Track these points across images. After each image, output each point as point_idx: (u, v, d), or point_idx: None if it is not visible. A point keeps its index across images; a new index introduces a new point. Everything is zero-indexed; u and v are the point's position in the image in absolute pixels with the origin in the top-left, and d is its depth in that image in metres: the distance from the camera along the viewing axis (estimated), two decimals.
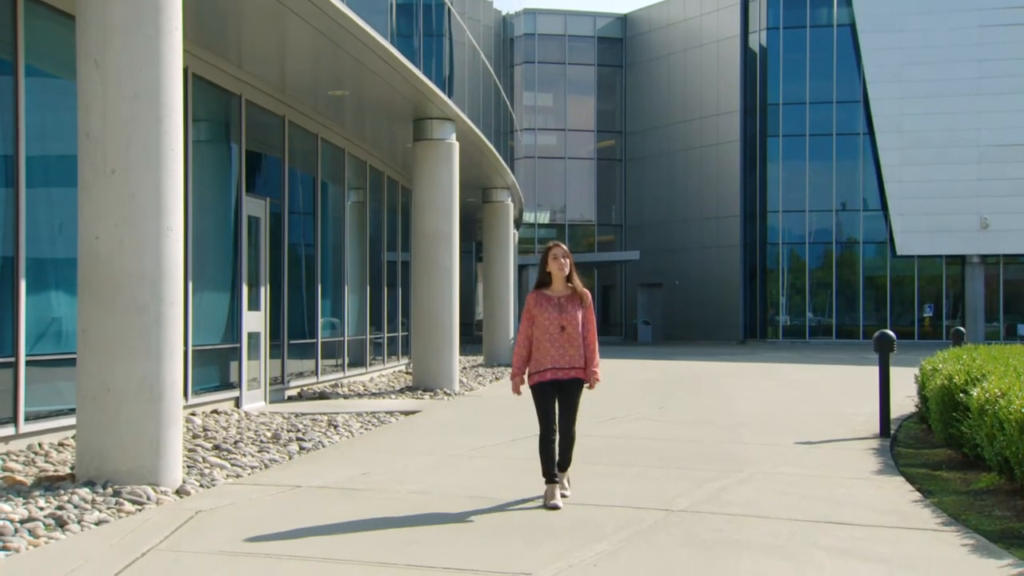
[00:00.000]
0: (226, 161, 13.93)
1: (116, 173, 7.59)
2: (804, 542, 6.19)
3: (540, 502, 7.31)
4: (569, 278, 7.53)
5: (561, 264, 7.49)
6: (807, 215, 43.53)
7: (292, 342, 15.86)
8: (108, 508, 6.92)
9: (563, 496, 7.39)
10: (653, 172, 48.57)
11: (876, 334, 11.48)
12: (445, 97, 16.52)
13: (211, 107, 13.51)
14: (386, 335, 21.66)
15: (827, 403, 15.34)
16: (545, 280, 7.54)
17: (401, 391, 16.95)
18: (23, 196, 9.38)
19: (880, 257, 43.14)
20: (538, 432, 7.49)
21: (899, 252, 42.01)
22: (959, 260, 42.39)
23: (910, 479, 8.56)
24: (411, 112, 16.85)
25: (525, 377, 7.54)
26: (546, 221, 49.62)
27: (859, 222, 43.22)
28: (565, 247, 7.60)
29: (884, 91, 41.88)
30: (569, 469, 7.65)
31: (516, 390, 7.53)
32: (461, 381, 18.93)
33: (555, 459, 7.37)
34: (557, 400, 7.44)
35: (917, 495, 7.82)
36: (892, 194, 41.75)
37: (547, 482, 7.32)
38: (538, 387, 7.43)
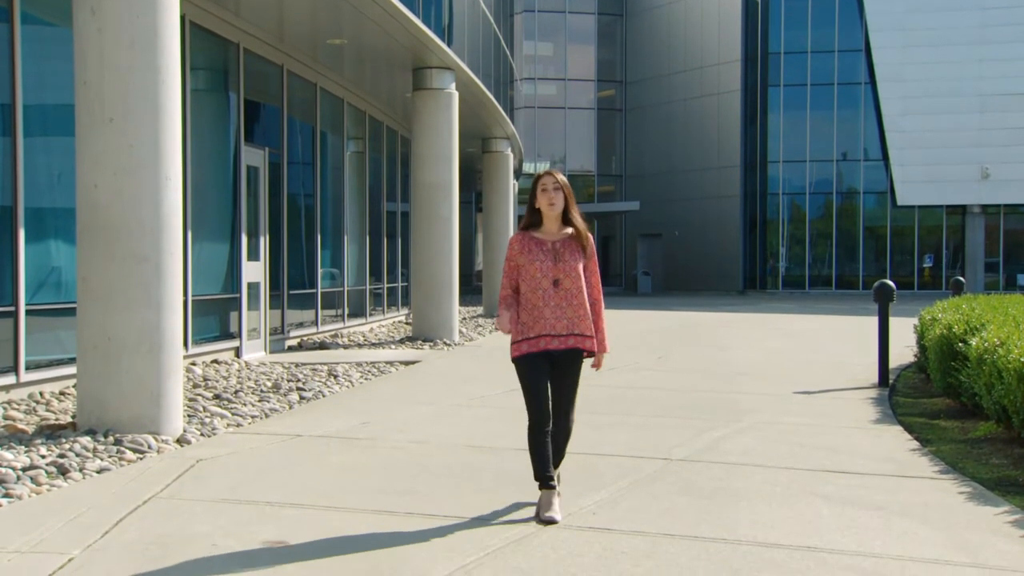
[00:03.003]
0: (224, 110, 13.85)
1: (114, 122, 7.55)
2: (802, 490, 6.22)
3: None
4: (566, 216, 5.61)
5: (552, 198, 5.53)
6: (808, 165, 43.35)
7: (292, 292, 15.87)
8: (109, 456, 6.96)
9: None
10: (653, 122, 48.30)
11: (876, 284, 11.49)
12: (444, 46, 16.39)
13: (209, 56, 13.40)
14: (386, 285, 21.67)
15: (826, 353, 15.37)
16: (534, 220, 5.64)
17: (401, 341, 16.98)
18: (20, 145, 9.34)
19: (880, 207, 43.01)
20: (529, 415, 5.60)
21: (899, 202, 41.87)
22: (960, 210, 42.25)
23: (908, 428, 8.61)
24: (410, 61, 16.72)
25: (511, 327, 5.59)
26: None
27: (860, 172, 43.04)
28: (560, 176, 5.61)
29: (886, 39, 41.51)
30: (563, 460, 5.80)
31: (505, 328, 5.56)
32: (461, 331, 18.96)
33: (550, 457, 5.55)
34: (550, 377, 5.58)
35: (915, 444, 7.86)
36: (893, 144, 41.53)
37: (541, 487, 5.55)
38: (524, 359, 5.51)
